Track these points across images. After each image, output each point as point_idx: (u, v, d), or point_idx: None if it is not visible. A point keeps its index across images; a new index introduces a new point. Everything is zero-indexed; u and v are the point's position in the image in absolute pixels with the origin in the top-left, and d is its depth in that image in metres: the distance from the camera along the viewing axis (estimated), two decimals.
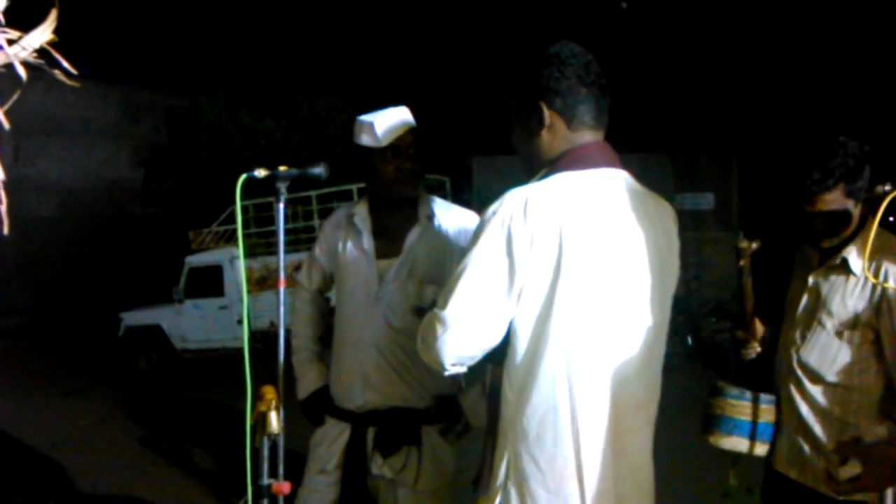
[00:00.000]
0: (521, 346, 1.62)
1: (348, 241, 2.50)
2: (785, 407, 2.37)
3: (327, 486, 2.48)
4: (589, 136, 1.72)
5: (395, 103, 2.55)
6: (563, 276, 1.57)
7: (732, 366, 9.06)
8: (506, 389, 1.67)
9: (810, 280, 2.36)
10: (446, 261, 2.40)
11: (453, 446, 2.48)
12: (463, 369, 1.70)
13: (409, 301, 2.38)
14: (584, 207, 1.61)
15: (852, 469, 2.06)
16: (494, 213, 1.61)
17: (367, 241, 2.46)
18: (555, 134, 1.72)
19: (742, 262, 2.53)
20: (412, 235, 2.43)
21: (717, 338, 9.05)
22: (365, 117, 2.45)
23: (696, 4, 12.99)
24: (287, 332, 2.19)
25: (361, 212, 2.51)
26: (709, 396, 2.48)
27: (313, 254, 2.65)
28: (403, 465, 2.40)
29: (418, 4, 15.45)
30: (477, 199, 14.10)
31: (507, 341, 1.66)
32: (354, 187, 12.14)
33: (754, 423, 2.38)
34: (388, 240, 2.46)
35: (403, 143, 2.39)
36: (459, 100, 15.93)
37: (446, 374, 1.68)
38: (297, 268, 2.86)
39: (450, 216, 2.52)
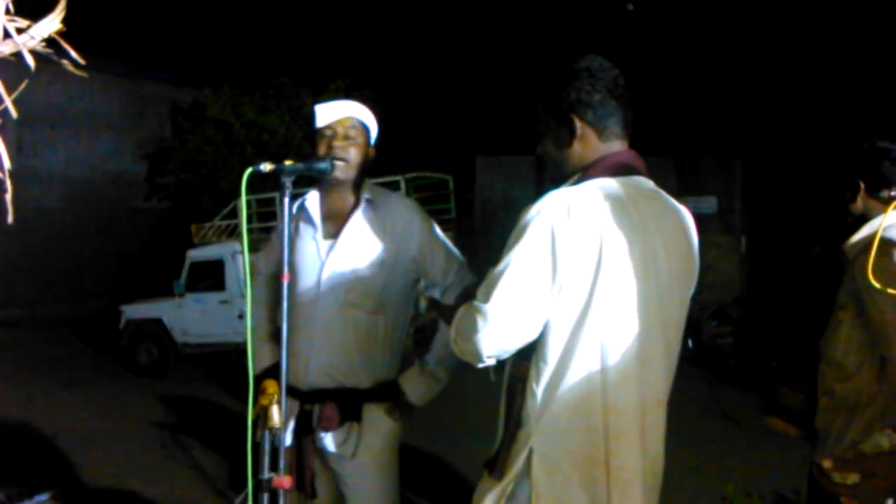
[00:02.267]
0: (555, 341, 1.70)
1: (300, 224, 2.61)
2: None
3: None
4: (618, 145, 1.83)
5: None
6: (602, 275, 1.65)
7: (732, 369, 9.05)
8: (531, 383, 1.73)
9: None
10: (381, 242, 2.53)
11: (396, 422, 2.58)
12: (493, 362, 1.77)
13: (356, 277, 2.49)
14: (621, 211, 1.70)
15: (850, 477, 2.07)
16: (539, 213, 1.68)
17: (316, 223, 2.57)
18: (586, 144, 1.81)
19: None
20: (355, 216, 2.55)
21: (717, 341, 9.05)
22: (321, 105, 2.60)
23: (701, 8, 12.98)
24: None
25: (313, 198, 2.63)
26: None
27: (271, 240, 2.79)
28: (344, 440, 2.52)
29: (424, 3, 15.44)
30: (479, 198, 14.10)
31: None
32: None
33: (791, 408, 2.72)
34: (334, 222, 2.57)
35: (336, 126, 2.52)
36: (464, 99, 15.92)
37: (480, 366, 1.76)
38: None
39: (388, 201, 2.63)
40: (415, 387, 2.56)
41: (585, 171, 1.78)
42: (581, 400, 1.69)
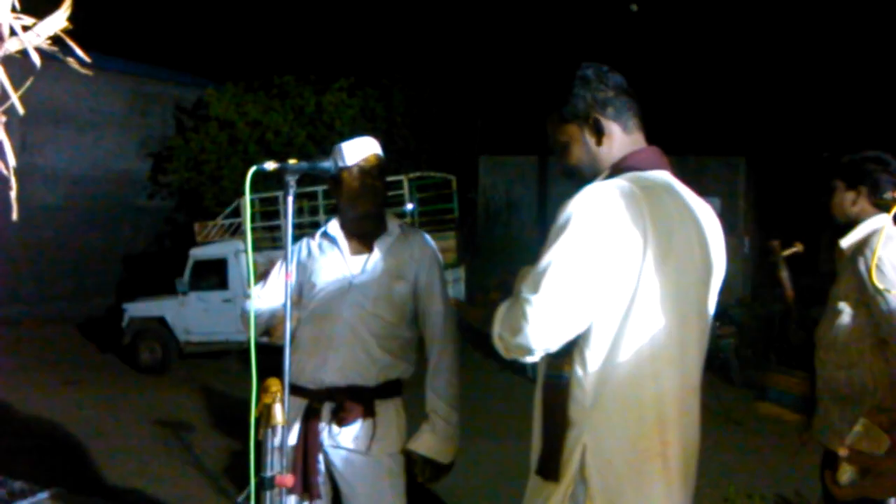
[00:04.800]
0: (602, 333, 1.69)
1: (322, 244, 2.81)
2: (817, 379, 2.73)
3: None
4: (641, 138, 1.89)
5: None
6: (647, 265, 1.67)
7: (734, 371, 9.01)
8: (580, 377, 1.72)
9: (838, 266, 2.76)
10: (409, 266, 2.75)
11: (403, 421, 2.74)
12: (542, 356, 1.74)
13: (382, 289, 2.69)
14: (658, 202, 1.73)
15: (850, 473, 2.07)
16: (583, 205, 1.68)
17: (342, 242, 2.77)
18: (613, 140, 1.85)
19: (773, 259, 3.03)
20: (384, 239, 2.76)
21: (720, 342, 9.04)
22: (338, 144, 2.78)
23: (705, 8, 12.97)
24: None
25: (334, 225, 2.82)
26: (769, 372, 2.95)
27: (270, 273, 2.86)
28: (357, 434, 2.63)
29: (428, 2, 15.44)
30: (482, 198, 14.11)
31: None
32: None
33: (786, 393, 2.81)
34: (358, 242, 2.78)
35: (368, 163, 2.71)
36: (467, 99, 15.93)
37: (529, 359, 1.72)
38: None
39: (414, 233, 2.87)
40: (439, 447, 2.64)
41: (615, 168, 1.82)
42: (632, 390, 1.70)
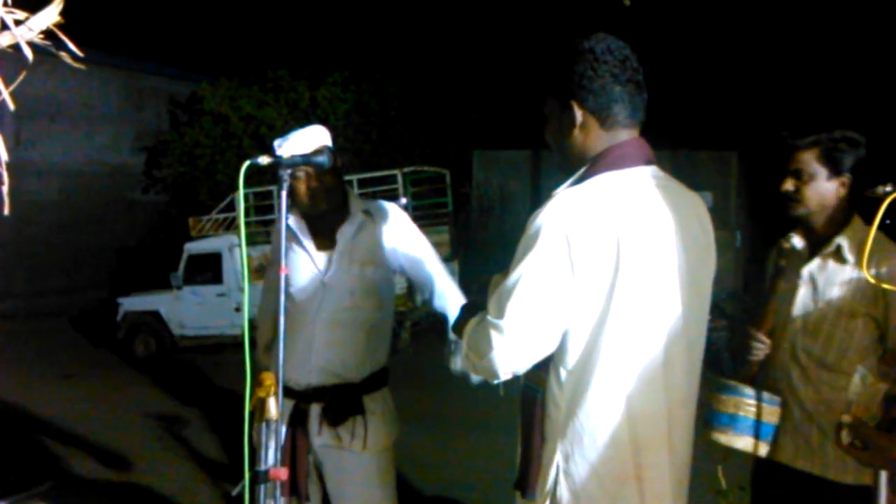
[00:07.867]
0: (574, 349, 1.61)
1: (289, 243, 2.69)
2: (789, 399, 2.39)
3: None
4: (623, 135, 1.70)
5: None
6: (621, 278, 1.56)
7: (726, 364, 8.92)
8: (555, 393, 1.65)
9: (804, 272, 2.41)
10: (380, 246, 2.67)
11: (392, 415, 2.72)
12: (510, 378, 1.68)
13: (354, 282, 2.63)
14: (635, 208, 1.60)
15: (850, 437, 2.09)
16: (550, 218, 1.57)
17: (305, 239, 2.69)
18: (587, 133, 1.69)
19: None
20: (347, 228, 2.65)
21: (712, 335, 9.08)
22: (279, 139, 2.62)
23: (698, 2, 12.97)
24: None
25: (294, 217, 2.71)
26: (719, 392, 2.47)
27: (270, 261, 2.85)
28: (352, 433, 2.61)
29: None
30: (476, 192, 14.10)
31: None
32: (355, 178, 12.13)
33: (759, 422, 2.37)
34: (323, 236, 2.68)
35: (306, 167, 2.50)
36: (460, 93, 15.91)
37: (496, 381, 1.68)
38: None
39: (379, 210, 2.73)
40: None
41: (591, 166, 1.66)
42: (604, 409, 1.59)
